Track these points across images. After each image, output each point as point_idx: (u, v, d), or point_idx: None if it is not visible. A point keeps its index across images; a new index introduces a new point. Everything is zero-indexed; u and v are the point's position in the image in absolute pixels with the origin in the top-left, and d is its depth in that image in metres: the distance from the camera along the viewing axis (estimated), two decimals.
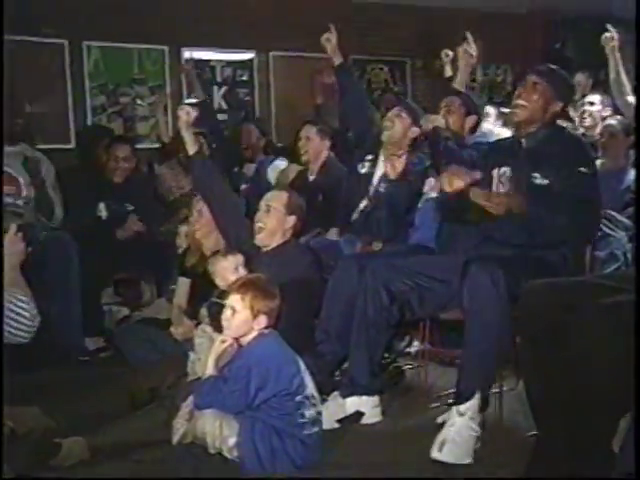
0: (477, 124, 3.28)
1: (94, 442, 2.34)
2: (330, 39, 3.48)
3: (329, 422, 2.46)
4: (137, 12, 5.38)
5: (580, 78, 5.00)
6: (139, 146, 4.78)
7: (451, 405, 2.31)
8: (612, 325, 1.66)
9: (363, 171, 3.33)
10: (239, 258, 2.79)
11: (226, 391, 2.16)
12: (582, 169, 2.38)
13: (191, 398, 2.29)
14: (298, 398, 2.19)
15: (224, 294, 2.49)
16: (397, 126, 3.20)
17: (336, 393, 2.62)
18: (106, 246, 3.72)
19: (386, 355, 2.86)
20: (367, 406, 2.59)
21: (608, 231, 3.01)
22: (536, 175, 2.42)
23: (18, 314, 2.20)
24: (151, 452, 2.34)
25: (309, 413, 2.21)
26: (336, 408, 2.56)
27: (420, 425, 2.56)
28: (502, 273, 2.19)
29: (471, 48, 3.37)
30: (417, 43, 6.70)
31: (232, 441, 2.14)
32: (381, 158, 3.29)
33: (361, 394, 2.58)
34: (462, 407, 2.25)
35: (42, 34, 5.01)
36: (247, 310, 2.23)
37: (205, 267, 3.00)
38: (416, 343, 3.33)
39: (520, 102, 2.49)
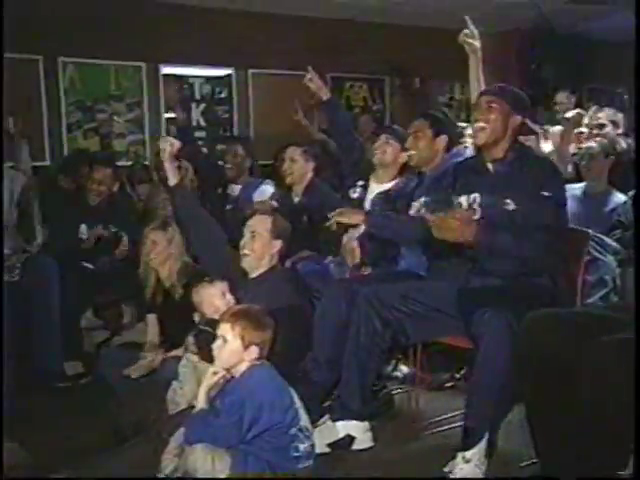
0: (451, 143, 3.10)
1: (77, 477, 2.26)
2: (312, 79, 3.43)
3: (320, 446, 2.42)
4: (114, 28, 5.32)
5: (561, 98, 5.04)
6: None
7: (457, 451, 2.26)
8: (617, 360, 1.63)
9: (355, 196, 3.32)
10: (225, 284, 2.73)
11: (218, 425, 2.10)
12: (545, 193, 2.37)
13: (180, 432, 2.22)
14: (292, 431, 2.14)
15: (212, 322, 2.43)
16: (388, 153, 3.24)
17: (326, 417, 2.59)
18: (87, 268, 3.62)
19: (376, 382, 2.81)
20: (358, 431, 2.55)
21: (597, 255, 3.00)
22: (508, 201, 2.42)
23: None
24: None
25: (303, 446, 2.16)
26: (326, 432, 2.52)
27: (415, 452, 2.54)
28: (514, 315, 2.15)
29: (471, 33, 3.06)
30: (395, 61, 6.75)
31: (224, 476, 2.07)
32: (372, 182, 3.30)
33: (352, 419, 2.54)
34: (468, 453, 2.21)
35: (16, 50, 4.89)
36: (238, 340, 2.17)
37: (166, 295, 2.98)
38: (403, 367, 3.30)
39: (480, 125, 2.49)
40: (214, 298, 2.67)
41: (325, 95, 3.47)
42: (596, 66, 6.87)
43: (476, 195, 2.51)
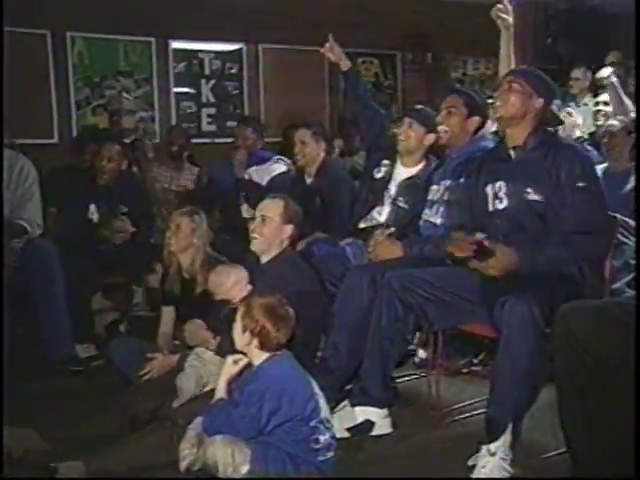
0: (481, 126, 3.08)
1: (93, 465, 2.21)
2: (332, 48, 3.32)
3: (339, 430, 2.41)
4: (123, 2, 5.19)
5: (577, 74, 4.93)
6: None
7: (481, 443, 2.22)
8: None
9: (379, 176, 3.23)
10: (243, 272, 2.68)
11: (237, 416, 2.06)
12: (580, 183, 2.30)
13: (197, 421, 2.19)
14: (312, 423, 2.09)
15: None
16: (412, 139, 3.13)
17: (345, 402, 2.57)
18: (97, 249, 3.56)
19: None
20: (377, 416, 2.53)
21: (622, 239, 2.90)
22: (529, 190, 2.36)
23: None
24: (154, 476, 2.21)
25: (324, 438, 2.11)
26: (345, 416, 2.51)
27: (436, 442, 2.52)
28: (537, 302, 2.10)
29: (504, 7, 2.93)
30: (406, 36, 6.61)
31: (245, 469, 2.03)
32: (399, 165, 3.21)
33: (371, 405, 2.52)
34: (492, 446, 2.16)
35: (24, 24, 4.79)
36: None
37: (185, 287, 2.90)
38: (421, 352, 3.25)
39: (498, 103, 2.46)
40: (233, 287, 2.62)
41: (345, 65, 3.37)
42: (612, 40, 6.73)
43: (501, 183, 2.45)
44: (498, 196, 2.46)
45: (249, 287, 2.64)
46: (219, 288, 2.66)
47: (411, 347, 3.12)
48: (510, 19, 2.94)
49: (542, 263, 2.28)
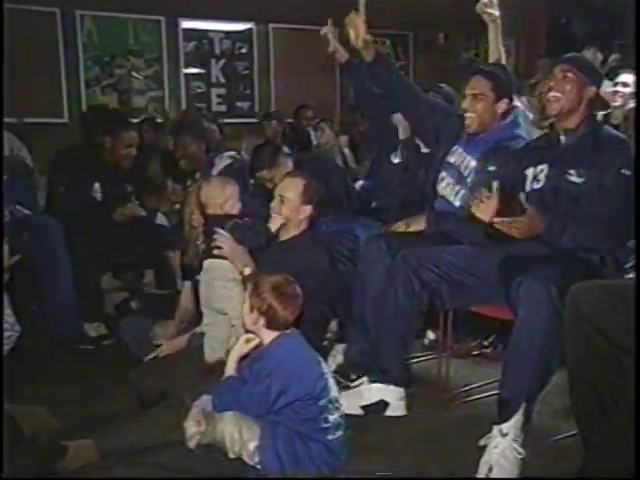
0: (510, 108, 2.79)
1: (103, 444, 2.21)
2: (329, 34, 3.09)
3: (353, 407, 2.44)
4: None
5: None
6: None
7: (493, 424, 2.21)
8: None
9: (396, 161, 3.24)
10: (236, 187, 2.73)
11: (245, 393, 2.07)
12: (625, 171, 2.26)
13: (202, 399, 2.19)
14: (322, 402, 2.09)
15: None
16: None
17: (363, 379, 2.58)
18: (104, 229, 3.55)
19: None
20: (393, 397, 2.54)
21: None
22: (572, 172, 2.33)
23: None
24: (164, 455, 2.20)
25: (333, 417, 2.11)
26: (361, 394, 2.53)
27: (447, 423, 2.53)
28: (554, 282, 2.08)
29: (489, 1, 2.84)
30: (418, 16, 6.54)
31: (253, 445, 2.04)
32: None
33: (390, 383, 2.53)
34: (505, 426, 2.15)
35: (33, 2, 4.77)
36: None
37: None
38: (430, 334, 3.24)
39: (554, 94, 2.38)
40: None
41: (342, 57, 3.17)
42: (627, 21, 6.62)
43: (544, 166, 2.41)
44: (537, 178, 2.42)
45: (239, 204, 2.67)
46: (212, 199, 2.66)
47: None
48: (496, 12, 2.87)
49: (566, 239, 2.24)
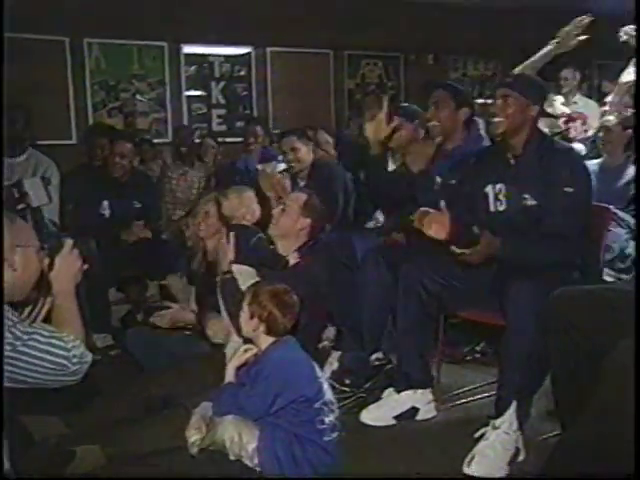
0: (471, 116, 3.00)
1: (109, 449, 2.31)
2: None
3: (385, 419, 2.52)
4: (137, 9, 5.36)
5: (566, 73, 4.99)
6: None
7: (489, 418, 2.32)
8: None
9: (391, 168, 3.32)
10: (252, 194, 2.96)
11: (244, 396, 2.14)
12: (567, 189, 2.34)
13: (202, 406, 2.29)
14: (317, 404, 2.17)
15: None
16: (402, 135, 3.18)
17: (390, 389, 2.65)
18: (111, 244, 3.68)
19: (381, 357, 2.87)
20: (422, 402, 2.61)
21: (613, 229, 3.00)
22: (526, 196, 2.42)
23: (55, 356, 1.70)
24: (168, 459, 2.30)
25: (328, 419, 2.19)
26: (392, 404, 2.59)
27: (436, 424, 2.61)
28: (542, 286, 2.18)
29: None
30: (408, 38, 6.71)
31: (252, 447, 2.12)
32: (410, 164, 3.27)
33: (417, 387, 2.60)
34: (497, 421, 2.26)
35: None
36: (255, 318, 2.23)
37: (209, 270, 3.03)
38: None
39: (497, 119, 2.47)
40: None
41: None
42: (606, 41, 6.76)
43: (501, 186, 2.51)
44: (498, 198, 2.51)
45: (258, 210, 2.92)
46: (236, 212, 2.87)
47: None
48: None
49: (531, 256, 2.35)
